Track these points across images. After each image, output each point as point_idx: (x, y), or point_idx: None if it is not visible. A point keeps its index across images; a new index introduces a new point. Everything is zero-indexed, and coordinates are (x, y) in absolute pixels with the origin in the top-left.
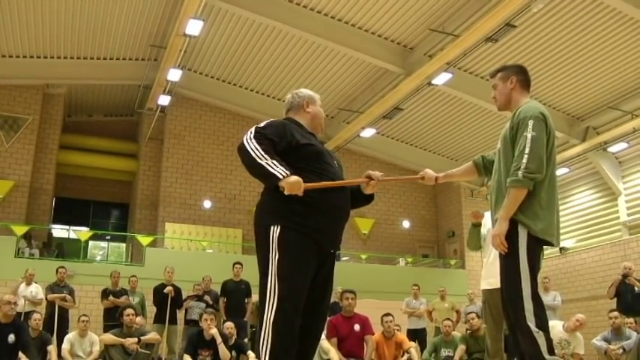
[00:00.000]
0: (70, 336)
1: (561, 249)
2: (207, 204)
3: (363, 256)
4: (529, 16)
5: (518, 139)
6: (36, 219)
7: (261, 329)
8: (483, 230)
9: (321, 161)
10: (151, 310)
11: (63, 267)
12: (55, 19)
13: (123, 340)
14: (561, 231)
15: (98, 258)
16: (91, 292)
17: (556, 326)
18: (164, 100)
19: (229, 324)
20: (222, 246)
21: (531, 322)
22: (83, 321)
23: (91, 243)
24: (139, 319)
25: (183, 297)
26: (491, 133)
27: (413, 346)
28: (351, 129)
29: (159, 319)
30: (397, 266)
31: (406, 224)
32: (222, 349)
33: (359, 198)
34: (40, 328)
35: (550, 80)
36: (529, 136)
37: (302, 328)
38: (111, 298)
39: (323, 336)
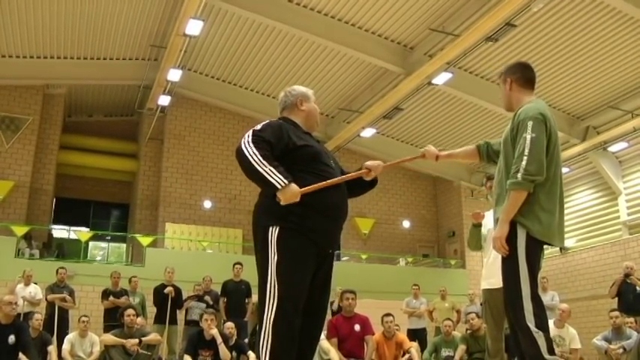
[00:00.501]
0: (71, 336)
1: (561, 249)
2: (207, 204)
3: (364, 256)
4: (529, 15)
5: (518, 140)
6: (36, 219)
7: (260, 330)
8: (484, 230)
9: (319, 162)
10: (152, 310)
11: (63, 267)
12: (55, 20)
13: (124, 341)
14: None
15: (98, 258)
16: (91, 293)
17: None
18: (164, 100)
19: (230, 324)
20: (223, 246)
21: (531, 323)
22: (83, 321)
23: (91, 243)
24: (139, 319)
25: (184, 297)
26: (492, 132)
27: (413, 346)
28: (351, 129)
29: (159, 319)
30: (397, 266)
31: (406, 224)
32: (223, 350)
33: (362, 185)
34: (41, 329)
35: (550, 80)
36: (528, 137)
37: (302, 328)
38: (111, 298)
39: (323, 336)
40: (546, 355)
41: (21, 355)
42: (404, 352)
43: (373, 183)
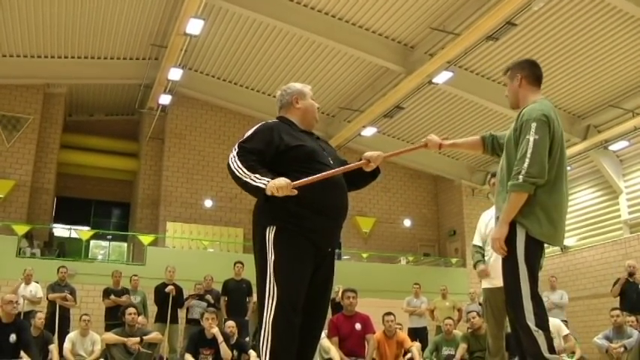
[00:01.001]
0: (72, 335)
1: (562, 247)
2: (208, 203)
3: (364, 255)
4: (530, 14)
5: (521, 141)
6: (37, 218)
7: (260, 329)
8: (485, 229)
9: (314, 161)
10: (152, 309)
11: (64, 266)
12: (56, 19)
13: (125, 339)
14: None
15: (99, 257)
16: (92, 292)
17: None
18: (165, 99)
19: (230, 323)
20: (224, 245)
21: (531, 322)
22: (85, 320)
23: (92, 242)
24: (140, 318)
25: (185, 296)
26: (493, 131)
27: (414, 345)
28: (351, 128)
29: (160, 318)
30: (398, 265)
31: (407, 223)
32: (224, 349)
33: (363, 176)
34: (42, 328)
35: (551, 78)
36: (531, 139)
37: (302, 327)
38: (112, 297)
39: (324, 335)
40: (547, 354)
41: (22, 353)
42: (405, 351)
43: (375, 174)
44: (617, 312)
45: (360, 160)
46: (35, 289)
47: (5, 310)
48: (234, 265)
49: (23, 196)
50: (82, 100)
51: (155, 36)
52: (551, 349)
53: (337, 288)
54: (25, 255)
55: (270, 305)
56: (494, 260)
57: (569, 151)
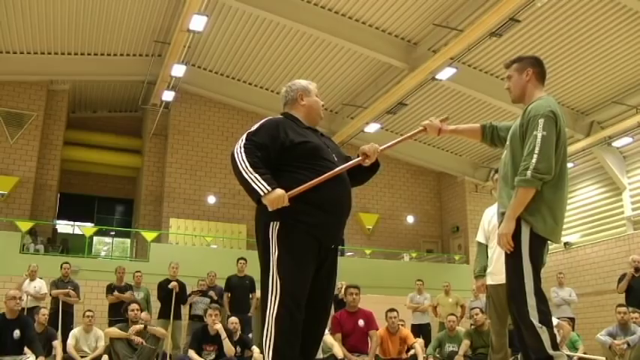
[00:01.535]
0: (75, 331)
1: (566, 244)
2: (211, 199)
3: (368, 252)
4: (533, 10)
5: (528, 137)
6: (41, 215)
7: (264, 325)
8: (487, 225)
9: (319, 157)
10: (156, 305)
11: (67, 263)
12: (59, 16)
13: (128, 333)
14: (566, 226)
15: (103, 253)
16: (95, 288)
17: None
18: (168, 95)
19: (234, 319)
20: (227, 241)
21: (534, 318)
22: (88, 316)
23: (95, 239)
24: (144, 314)
25: (188, 292)
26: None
27: (417, 342)
28: (355, 124)
29: (163, 314)
30: (401, 261)
31: (410, 219)
32: (227, 345)
33: (365, 171)
34: (46, 324)
35: (554, 75)
36: (539, 135)
37: (305, 322)
38: (116, 293)
39: (327, 331)
40: (550, 351)
41: (26, 349)
42: (408, 347)
43: (375, 167)
44: (624, 309)
45: (358, 156)
46: (40, 285)
47: (9, 306)
48: (237, 261)
49: (27, 192)
50: (86, 96)
51: (158, 32)
52: (555, 346)
53: (340, 284)
54: (29, 251)
55: (273, 301)
56: (498, 256)
57: (572, 148)
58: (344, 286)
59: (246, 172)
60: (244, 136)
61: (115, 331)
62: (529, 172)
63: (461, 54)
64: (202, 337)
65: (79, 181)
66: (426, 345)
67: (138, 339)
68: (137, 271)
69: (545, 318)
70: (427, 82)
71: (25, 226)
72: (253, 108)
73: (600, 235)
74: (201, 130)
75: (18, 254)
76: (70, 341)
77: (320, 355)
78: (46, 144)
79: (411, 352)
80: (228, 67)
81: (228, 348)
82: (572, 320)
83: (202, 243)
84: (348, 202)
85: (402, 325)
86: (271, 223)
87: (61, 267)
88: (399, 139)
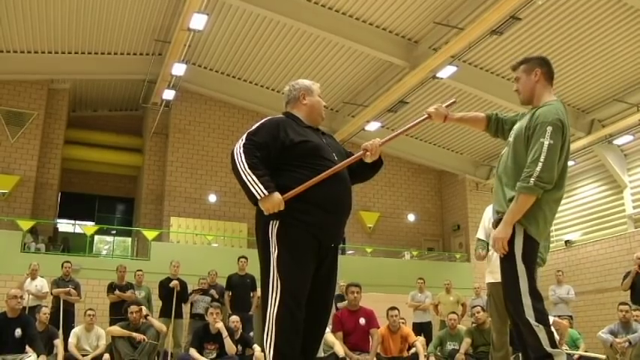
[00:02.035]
0: (77, 330)
1: (567, 242)
2: (212, 198)
3: (369, 250)
4: (534, 8)
5: (534, 143)
6: (41, 214)
7: (264, 324)
8: (488, 223)
9: (317, 156)
10: (157, 304)
11: (68, 262)
12: (60, 15)
13: (131, 332)
14: (567, 224)
15: (104, 252)
16: (97, 287)
17: None
18: (169, 94)
19: (235, 318)
20: (228, 240)
21: (531, 317)
22: (89, 315)
23: (96, 237)
24: (144, 310)
25: (189, 291)
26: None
27: (419, 340)
28: (355, 122)
29: (164, 313)
30: (402, 260)
31: (411, 218)
32: (228, 343)
33: (367, 168)
34: (47, 322)
35: (555, 73)
36: (546, 144)
37: (306, 321)
38: (117, 292)
39: (328, 329)
40: (548, 349)
41: (28, 348)
42: (409, 345)
43: (377, 165)
44: (626, 307)
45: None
46: (41, 284)
47: (10, 305)
48: (238, 259)
49: (28, 191)
50: (86, 95)
51: (159, 31)
52: (553, 344)
53: (342, 282)
54: (30, 250)
55: (273, 300)
56: (497, 256)
57: (573, 146)
58: (345, 285)
59: (244, 174)
60: (244, 136)
61: (117, 329)
62: (532, 180)
63: (462, 52)
64: (203, 336)
65: (80, 180)
66: (427, 343)
67: (139, 336)
68: (138, 270)
69: (542, 317)
70: (428, 81)
71: (26, 225)
72: (254, 107)
73: (601, 233)
74: (202, 129)
75: (19, 253)
76: (72, 340)
77: (321, 353)
78: (47, 143)
79: (412, 350)
80: (228, 66)
81: (230, 346)
82: (570, 318)
83: (203, 241)
84: (349, 200)
85: (403, 323)
86: (271, 221)
87: (62, 266)
88: (401, 130)
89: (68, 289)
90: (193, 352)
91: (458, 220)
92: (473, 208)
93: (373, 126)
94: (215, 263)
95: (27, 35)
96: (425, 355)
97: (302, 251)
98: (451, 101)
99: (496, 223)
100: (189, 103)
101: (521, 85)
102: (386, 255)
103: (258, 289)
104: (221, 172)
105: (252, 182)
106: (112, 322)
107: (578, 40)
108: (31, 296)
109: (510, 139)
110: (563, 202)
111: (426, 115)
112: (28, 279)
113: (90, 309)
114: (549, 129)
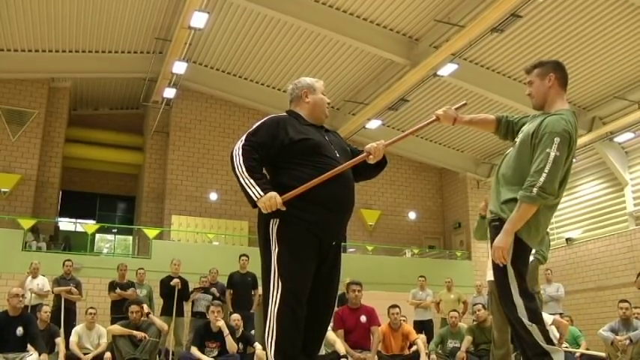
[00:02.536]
0: (78, 328)
1: (567, 240)
2: (213, 196)
3: (369, 248)
4: (535, 5)
5: (541, 152)
6: (42, 212)
7: (266, 322)
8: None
9: (318, 154)
10: (158, 302)
11: (69, 260)
12: (60, 13)
13: (132, 331)
14: (568, 222)
15: (105, 251)
16: (98, 285)
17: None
18: (169, 92)
19: (236, 316)
20: (229, 238)
21: (524, 317)
22: (91, 313)
23: (97, 236)
24: (146, 308)
25: (190, 289)
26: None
27: (419, 338)
28: (356, 120)
29: (166, 311)
30: (403, 257)
31: (412, 215)
32: (230, 341)
33: (371, 167)
34: (49, 321)
35: None
36: (552, 155)
37: (308, 319)
38: (118, 290)
39: (329, 327)
40: (545, 345)
41: (29, 346)
42: (410, 343)
43: (382, 164)
44: (627, 304)
45: (363, 151)
46: (43, 283)
47: (12, 304)
48: (240, 258)
49: (29, 190)
50: (87, 94)
51: (159, 29)
52: (549, 340)
53: (345, 279)
54: (31, 249)
55: (274, 298)
56: None
57: None
58: (346, 282)
59: (242, 177)
60: (244, 136)
61: (117, 328)
62: (535, 190)
63: (462, 50)
64: (205, 334)
65: (81, 179)
66: (429, 341)
67: (140, 334)
68: (140, 268)
69: (534, 316)
70: (429, 79)
71: (27, 223)
72: (255, 105)
73: (602, 231)
74: (203, 127)
75: (20, 252)
76: (73, 338)
77: (322, 351)
78: (48, 141)
79: (414, 348)
80: (229, 65)
81: (231, 345)
82: (560, 316)
83: (204, 240)
84: (351, 199)
85: (404, 321)
86: (271, 220)
87: (63, 264)
88: (408, 132)
89: (69, 287)
90: (195, 350)
91: (459, 217)
92: (474, 205)
93: (374, 124)
94: (216, 261)
95: (28, 34)
96: (426, 353)
97: (302, 249)
98: (462, 103)
99: (489, 223)
100: (190, 102)
101: (534, 89)
102: (387, 253)
103: (260, 288)
104: (222, 170)
105: (250, 185)
106: (113, 321)
107: (579, 37)
108: (32, 295)
109: (517, 140)
110: (564, 199)
111: (434, 118)
112: (30, 277)
113: (91, 307)
114: (557, 140)
